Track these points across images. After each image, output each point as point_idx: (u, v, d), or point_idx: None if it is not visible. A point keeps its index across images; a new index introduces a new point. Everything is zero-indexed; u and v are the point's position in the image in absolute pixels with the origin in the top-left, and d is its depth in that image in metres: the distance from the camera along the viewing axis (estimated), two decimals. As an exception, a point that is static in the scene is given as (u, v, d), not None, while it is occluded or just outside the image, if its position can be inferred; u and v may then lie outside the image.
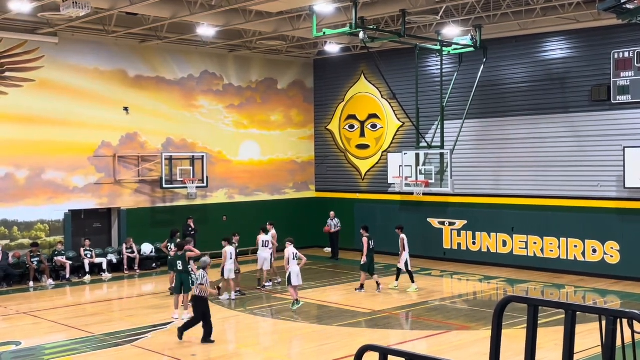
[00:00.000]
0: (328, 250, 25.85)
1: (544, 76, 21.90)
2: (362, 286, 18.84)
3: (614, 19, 16.30)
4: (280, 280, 19.37)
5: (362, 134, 27.01)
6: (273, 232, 19.91)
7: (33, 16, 19.70)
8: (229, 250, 17.76)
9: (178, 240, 18.05)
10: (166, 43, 23.37)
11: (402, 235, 18.95)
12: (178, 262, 15.75)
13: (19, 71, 20.98)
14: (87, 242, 21.81)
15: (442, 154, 22.41)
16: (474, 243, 23.49)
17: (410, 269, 18.95)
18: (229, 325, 15.72)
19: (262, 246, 19.07)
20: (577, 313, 4.30)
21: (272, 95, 27.28)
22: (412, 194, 23.23)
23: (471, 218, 23.55)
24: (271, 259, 19.32)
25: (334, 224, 25.18)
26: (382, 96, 26.30)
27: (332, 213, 25.25)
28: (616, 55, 20.11)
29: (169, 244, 18.59)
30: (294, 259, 16.74)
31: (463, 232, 23.77)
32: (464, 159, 23.51)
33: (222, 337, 14.56)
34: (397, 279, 19.21)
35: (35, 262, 20.46)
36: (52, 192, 21.70)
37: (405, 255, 18.75)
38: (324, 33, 19.19)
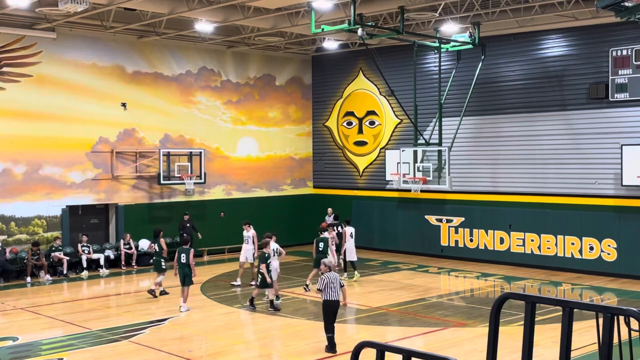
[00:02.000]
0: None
1: (542, 74, 21.90)
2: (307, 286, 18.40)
3: (612, 17, 16.30)
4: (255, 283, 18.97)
5: (360, 131, 27.01)
6: (253, 231, 19.15)
7: (31, 11, 19.66)
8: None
9: (161, 239, 17.83)
10: (164, 39, 23.33)
11: (347, 228, 20.15)
12: (182, 255, 16.08)
13: (17, 66, 20.94)
14: (85, 238, 21.79)
15: (439, 151, 22.42)
16: (471, 240, 23.50)
17: (347, 259, 19.98)
18: (226, 321, 15.72)
19: (273, 255, 16.79)
20: (575, 310, 4.31)
21: (270, 91, 27.25)
22: (409, 191, 23.24)
23: (469, 215, 23.56)
24: (253, 257, 18.93)
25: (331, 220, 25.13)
26: (380, 93, 26.29)
27: (329, 209, 25.17)
28: (614, 53, 20.11)
29: (154, 244, 18.23)
30: (274, 254, 16.74)
31: (460, 229, 23.79)
32: (462, 156, 23.51)
33: (219, 332, 14.56)
34: (354, 270, 20.09)
35: (35, 259, 20.44)
36: (49, 187, 21.67)
37: (346, 246, 19.93)
38: (322, 29, 19.18)
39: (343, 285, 12.70)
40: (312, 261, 22.90)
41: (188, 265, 16.05)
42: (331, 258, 14.17)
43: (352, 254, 19.99)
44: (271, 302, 16.24)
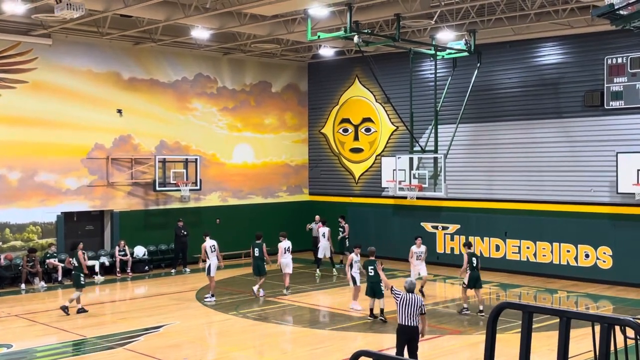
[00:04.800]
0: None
1: (538, 81, 21.95)
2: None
3: (607, 25, 16.34)
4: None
5: (356, 138, 27.02)
6: (212, 242, 18.63)
7: (27, 17, 19.64)
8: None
9: (79, 252, 17.08)
10: (160, 45, 23.33)
11: (321, 229, 22.47)
12: (256, 249, 18.42)
13: (12, 72, 20.90)
14: (80, 245, 21.66)
15: (435, 158, 22.42)
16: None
17: (318, 256, 22.37)
18: (221, 328, 15.67)
19: (284, 252, 18.94)
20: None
21: (266, 98, 27.26)
22: (405, 198, 23.24)
23: (464, 222, 23.56)
24: (209, 271, 18.26)
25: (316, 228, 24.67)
26: (376, 100, 26.31)
27: (317, 217, 24.53)
28: (609, 61, 20.17)
29: (71, 259, 17.30)
30: (285, 252, 18.76)
31: (456, 237, 23.78)
32: (458, 163, 23.53)
33: (214, 340, 14.51)
34: (318, 267, 22.43)
35: (29, 266, 20.35)
36: (44, 194, 21.61)
37: (320, 245, 22.33)
38: (319, 36, 19.22)
39: (424, 313, 10.91)
40: (308, 268, 22.94)
41: (261, 257, 18.33)
42: (413, 279, 12.64)
43: (322, 252, 22.25)
44: (381, 311, 15.68)
